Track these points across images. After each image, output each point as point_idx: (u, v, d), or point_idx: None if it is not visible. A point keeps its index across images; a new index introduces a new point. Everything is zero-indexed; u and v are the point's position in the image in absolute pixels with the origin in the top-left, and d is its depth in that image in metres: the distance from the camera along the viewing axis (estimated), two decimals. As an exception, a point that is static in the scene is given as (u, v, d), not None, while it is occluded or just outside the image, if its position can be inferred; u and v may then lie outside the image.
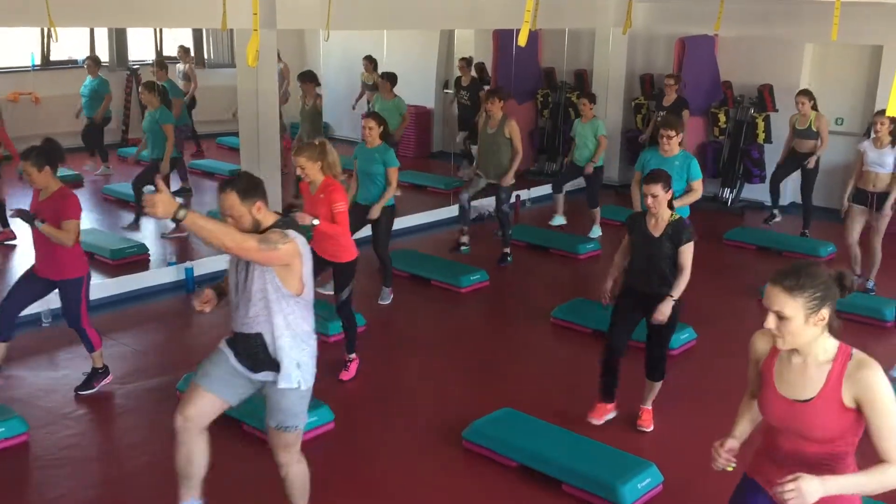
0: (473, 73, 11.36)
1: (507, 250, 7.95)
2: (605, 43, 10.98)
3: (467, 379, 5.66)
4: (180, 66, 10.93)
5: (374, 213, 6.43)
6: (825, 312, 2.44)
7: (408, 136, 12.36)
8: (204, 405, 3.56)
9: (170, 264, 7.32)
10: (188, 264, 7.24)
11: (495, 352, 6.08)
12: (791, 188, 9.37)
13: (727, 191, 10.22)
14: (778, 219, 8.95)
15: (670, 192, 4.60)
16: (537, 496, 4.22)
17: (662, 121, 6.33)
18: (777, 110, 9.82)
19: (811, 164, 8.51)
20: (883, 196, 6.92)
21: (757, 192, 10.18)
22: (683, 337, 6.01)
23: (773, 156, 9.59)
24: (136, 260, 7.51)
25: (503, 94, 7.73)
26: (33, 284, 5.11)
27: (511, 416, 4.76)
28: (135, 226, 8.35)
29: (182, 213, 3.03)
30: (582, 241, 8.36)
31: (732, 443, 2.69)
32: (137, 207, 8.31)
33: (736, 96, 10.11)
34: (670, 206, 4.64)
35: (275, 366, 3.45)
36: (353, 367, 5.55)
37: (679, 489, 4.26)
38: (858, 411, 2.42)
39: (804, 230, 8.84)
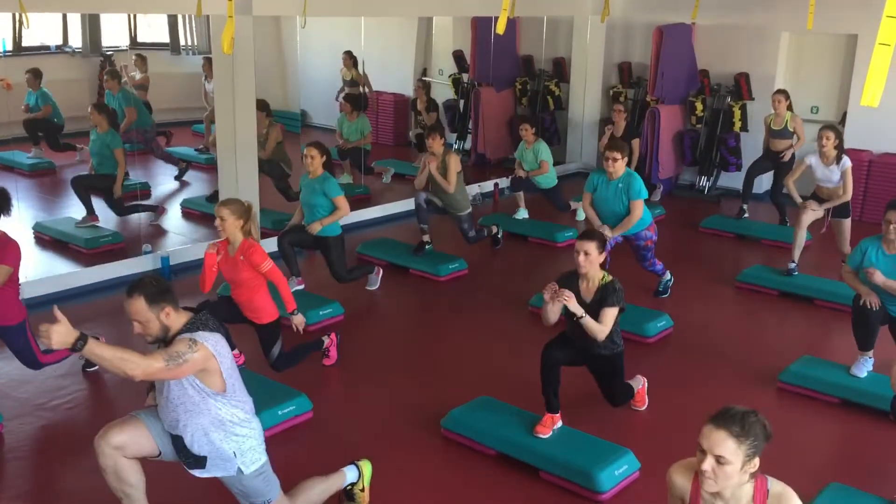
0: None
1: (496, 231, 8.06)
2: (584, 31, 10.99)
3: (445, 367, 5.66)
4: (136, 74, 10.80)
5: (314, 227, 6.27)
6: (757, 461, 2.53)
7: (385, 124, 12.35)
8: (135, 440, 3.46)
9: (145, 253, 7.26)
10: (164, 253, 7.18)
11: (473, 340, 6.09)
12: (767, 178, 9.41)
13: (704, 179, 10.28)
14: (746, 214, 9.00)
15: (604, 254, 4.50)
16: (515, 484, 4.24)
17: (609, 143, 6.47)
18: (753, 99, 9.89)
19: (786, 157, 8.50)
20: (839, 206, 7.03)
21: (733, 180, 10.24)
22: (660, 324, 6.05)
23: (749, 144, 9.66)
24: (110, 249, 7.44)
25: (442, 131, 7.49)
26: None
27: (489, 405, 4.77)
28: (91, 218, 8.02)
29: (80, 343, 2.99)
30: (560, 230, 8.37)
31: None
32: (85, 203, 7.96)
33: (713, 85, 10.16)
34: (603, 267, 4.53)
35: (199, 463, 3.40)
36: (332, 350, 5.52)
37: (656, 475, 4.28)
38: None
39: (784, 218, 8.81)
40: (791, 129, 8.40)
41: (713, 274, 7.48)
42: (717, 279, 7.33)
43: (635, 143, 9.50)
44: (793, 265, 7.07)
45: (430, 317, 6.63)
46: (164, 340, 3.31)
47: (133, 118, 9.19)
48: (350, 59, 11.12)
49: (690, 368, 5.62)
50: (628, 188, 6.26)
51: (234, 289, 5.06)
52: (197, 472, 3.47)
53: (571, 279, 4.56)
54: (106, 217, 8.11)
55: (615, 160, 6.23)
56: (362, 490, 3.98)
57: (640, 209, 6.28)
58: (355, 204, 9.05)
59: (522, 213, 8.92)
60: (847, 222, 7.09)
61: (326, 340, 5.53)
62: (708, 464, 2.48)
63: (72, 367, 5.36)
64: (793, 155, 8.56)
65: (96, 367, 5.20)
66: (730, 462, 2.46)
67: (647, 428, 4.83)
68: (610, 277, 4.51)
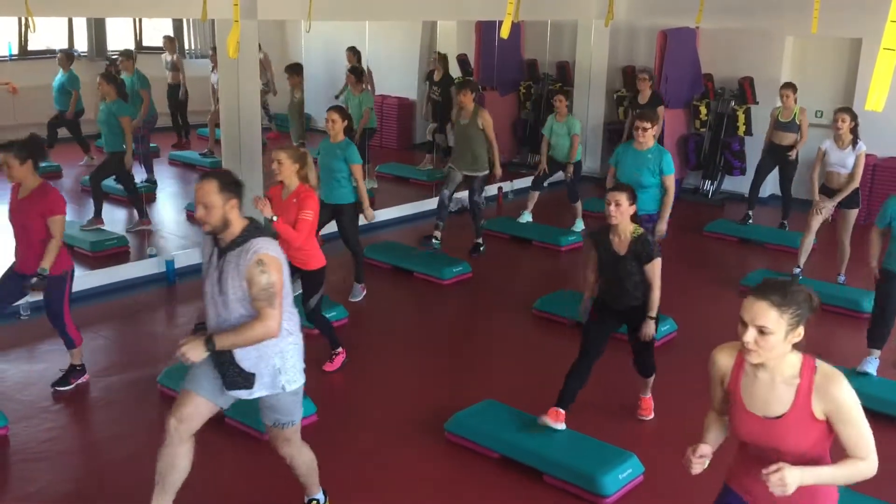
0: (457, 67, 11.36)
1: (480, 241, 7.94)
2: (588, 35, 11.00)
3: (449, 371, 5.66)
4: (166, 57, 10.83)
5: (370, 214, 6.46)
6: (801, 330, 2.46)
7: (390, 127, 12.36)
8: (197, 407, 3.49)
9: (150, 256, 7.27)
10: (168, 256, 7.20)
11: (477, 343, 6.09)
12: (771, 180, 9.42)
13: (708, 183, 10.28)
14: (751, 220, 8.99)
15: (634, 207, 4.48)
16: (519, 487, 4.24)
17: (638, 114, 6.35)
18: (758, 103, 9.88)
19: (793, 155, 8.53)
20: (849, 195, 7.01)
21: (738, 184, 10.25)
22: (664, 329, 6.04)
23: (753, 148, 9.64)
24: (116, 252, 7.46)
25: (474, 86, 7.67)
26: (16, 282, 5.01)
27: (493, 408, 4.77)
28: (96, 221, 8.07)
29: (211, 345, 3.25)
30: (564, 234, 8.38)
31: (705, 448, 2.66)
32: (96, 202, 8.06)
33: (717, 89, 10.16)
34: (634, 219, 4.53)
35: (248, 382, 3.40)
36: (338, 359, 5.54)
37: (660, 479, 4.30)
38: (826, 423, 2.47)
39: (783, 221, 8.90)
40: (798, 123, 8.41)
41: (717, 278, 7.48)
42: (721, 283, 7.33)
43: (660, 110, 9.38)
44: (798, 270, 7.05)
45: (434, 320, 6.64)
46: (219, 237, 3.34)
47: (148, 101, 9.22)
48: (354, 55, 11.09)
49: (695, 372, 5.58)
50: (660, 161, 6.04)
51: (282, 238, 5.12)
52: (242, 394, 3.46)
53: (603, 233, 4.59)
54: (111, 219, 8.13)
55: (645, 130, 6.03)
56: None
57: (674, 184, 6.14)
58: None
59: (526, 217, 8.87)
60: (854, 213, 7.05)
61: (341, 349, 5.56)
62: (750, 335, 2.41)
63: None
64: (797, 155, 8.54)
65: (68, 388, 5.17)
66: (772, 332, 2.40)
67: (652, 432, 4.83)
68: (641, 229, 4.54)
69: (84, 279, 6.77)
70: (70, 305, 5.10)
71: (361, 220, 6.59)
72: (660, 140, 9.87)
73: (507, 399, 4.93)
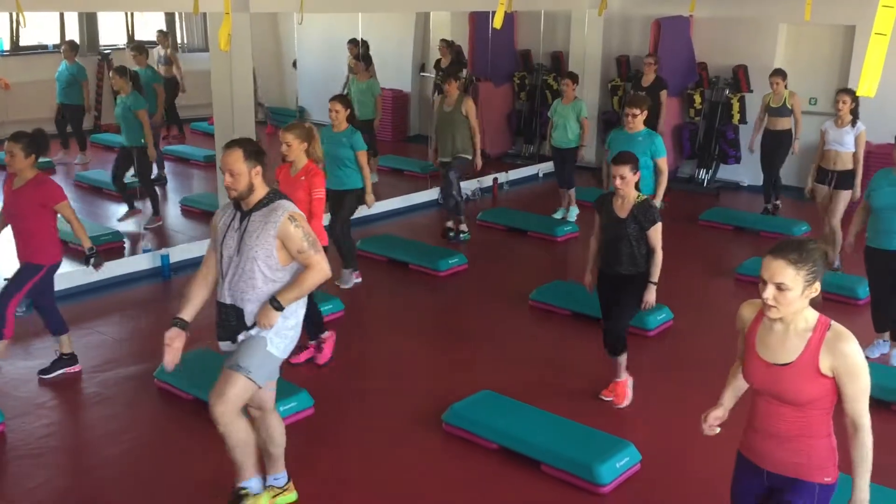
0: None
1: (451, 225, 7.93)
2: (581, 25, 10.98)
3: (446, 362, 5.66)
4: (160, 51, 10.79)
5: (370, 201, 6.56)
6: (818, 286, 2.59)
7: (384, 119, 12.31)
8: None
9: (145, 251, 7.26)
10: (163, 251, 7.19)
11: (474, 335, 6.09)
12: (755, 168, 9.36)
13: (703, 171, 10.28)
14: (777, 202, 8.94)
15: (638, 174, 4.65)
16: (517, 477, 4.25)
17: (628, 99, 6.43)
18: (752, 91, 9.87)
19: (796, 149, 8.53)
20: (843, 175, 7.01)
21: (732, 172, 10.25)
22: (660, 317, 6.05)
23: (747, 136, 9.59)
24: (111, 247, 7.44)
25: (457, 74, 7.70)
26: (30, 271, 5.05)
27: (490, 399, 4.77)
28: (133, 213, 8.13)
29: (277, 304, 3.43)
30: (560, 224, 8.38)
31: (718, 412, 2.86)
32: (125, 197, 8.10)
33: (711, 77, 10.16)
34: (637, 187, 4.70)
35: (241, 326, 3.53)
36: (327, 347, 5.52)
37: (657, 468, 4.30)
38: (833, 382, 2.58)
39: (767, 206, 8.78)
40: (789, 107, 8.41)
41: (713, 266, 7.49)
42: (716, 271, 7.34)
43: (663, 94, 9.37)
44: (836, 263, 6.99)
45: (431, 312, 6.64)
46: (242, 203, 3.49)
47: (163, 95, 9.19)
48: (355, 47, 11.05)
49: (691, 361, 5.62)
50: (652, 143, 6.13)
51: None
52: (226, 345, 3.58)
53: (607, 197, 4.76)
54: (108, 214, 8.11)
55: (634, 115, 6.16)
56: (273, 497, 3.84)
57: (667, 166, 6.24)
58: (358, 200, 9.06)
59: (573, 213, 8.78)
60: (846, 195, 7.04)
61: (327, 333, 5.53)
62: (769, 291, 2.55)
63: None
64: (790, 133, 8.50)
65: (53, 375, 5.22)
66: (790, 288, 2.53)
67: (648, 421, 4.83)
68: (643, 196, 4.71)
69: (79, 275, 6.75)
70: (62, 303, 5.10)
71: (360, 213, 6.63)
72: (655, 127, 9.91)
73: (504, 390, 4.93)
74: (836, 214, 7.06)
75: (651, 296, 4.74)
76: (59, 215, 5.02)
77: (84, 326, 5.83)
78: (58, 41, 10.97)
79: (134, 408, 4.94)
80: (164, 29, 11.11)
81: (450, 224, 7.93)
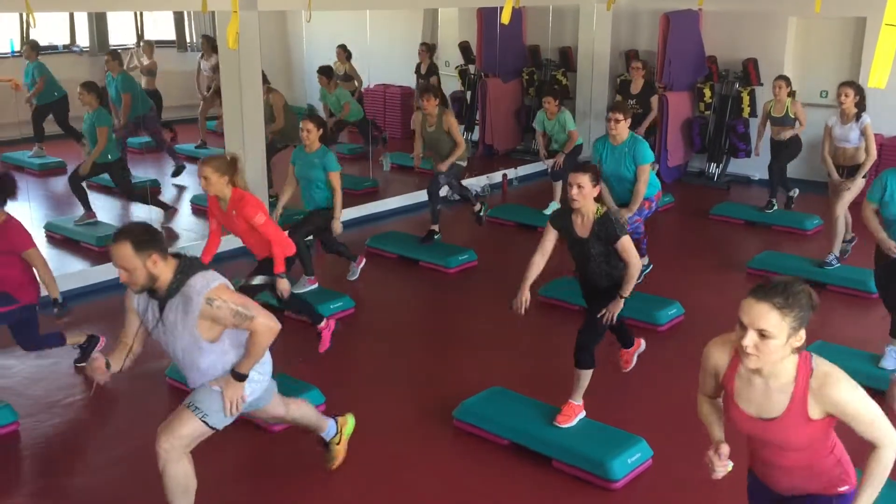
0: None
1: (477, 207, 7.83)
2: (590, 19, 10.94)
3: (456, 358, 5.66)
4: (143, 60, 10.78)
5: (337, 228, 6.28)
6: (803, 333, 2.34)
7: (393, 116, 12.34)
8: (260, 415, 3.85)
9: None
10: (174, 249, 7.19)
11: (484, 331, 6.09)
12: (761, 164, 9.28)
13: (713, 166, 10.24)
14: (795, 193, 8.79)
15: (598, 187, 4.31)
16: (528, 473, 4.24)
17: (612, 105, 6.38)
18: (762, 84, 9.82)
19: (786, 135, 8.23)
20: (852, 169, 6.94)
21: (743, 166, 10.21)
22: (671, 312, 6.03)
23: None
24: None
25: (436, 91, 7.54)
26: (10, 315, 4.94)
27: (501, 395, 4.77)
28: (88, 215, 8.00)
29: (241, 376, 3.40)
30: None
31: (725, 448, 2.59)
32: (82, 200, 7.96)
33: (721, 71, 10.11)
34: (597, 200, 4.37)
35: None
36: (326, 334, 5.51)
37: (669, 463, 4.29)
38: (830, 419, 2.42)
39: (770, 203, 8.61)
40: (792, 116, 8.25)
41: (724, 261, 7.46)
42: (728, 266, 7.30)
43: (654, 100, 9.41)
44: (832, 257, 6.85)
45: (441, 309, 6.64)
46: (152, 290, 3.28)
47: (129, 102, 9.12)
48: (344, 52, 11.13)
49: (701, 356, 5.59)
50: (634, 152, 6.09)
51: (244, 243, 5.08)
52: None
53: (565, 215, 4.44)
54: (112, 215, 8.14)
55: (617, 121, 6.07)
56: (338, 443, 4.13)
57: (647, 174, 6.11)
58: (364, 197, 9.08)
59: (555, 207, 8.76)
60: (853, 183, 6.86)
61: (324, 322, 5.52)
62: (750, 339, 2.27)
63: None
64: (797, 138, 8.39)
65: (86, 364, 5.25)
66: (774, 336, 2.26)
67: (660, 416, 4.82)
68: (604, 209, 4.34)
69: (90, 274, 6.79)
70: (74, 302, 5.08)
71: (369, 210, 6.60)
72: (664, 124, 9.88)
73: (514, 385, 4.93)
74: (843, 203, 6.93)
75: (616, 308, 4.39)
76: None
77: (95, 326, 5.85)
78: (68, 41, 10.99)
79: (146, 406, 4.96)
80: (150, 39, 11.07)
81: (477, 208, 7.80)
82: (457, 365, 5.54)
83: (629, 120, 6.22)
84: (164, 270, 3.24)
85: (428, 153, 7.62)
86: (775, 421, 2.42)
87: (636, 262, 4.34)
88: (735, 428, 2.56)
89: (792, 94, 8.38)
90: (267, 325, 3.34)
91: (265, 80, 8.56)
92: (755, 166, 9.97)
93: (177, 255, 3.34)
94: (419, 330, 6.17)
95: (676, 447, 4.43)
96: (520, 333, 5.99)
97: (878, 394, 4.94)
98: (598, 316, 4.44)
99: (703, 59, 10.20)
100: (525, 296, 4.43)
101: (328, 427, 4.10)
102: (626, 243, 4.29)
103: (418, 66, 11.37)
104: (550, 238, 4.47)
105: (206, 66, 10.59)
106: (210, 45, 10.37)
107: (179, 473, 3.41)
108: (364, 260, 6.96)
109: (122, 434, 4.69)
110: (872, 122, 7.00)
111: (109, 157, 7.73)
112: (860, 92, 6.87)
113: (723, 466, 2.56)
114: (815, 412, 2.38)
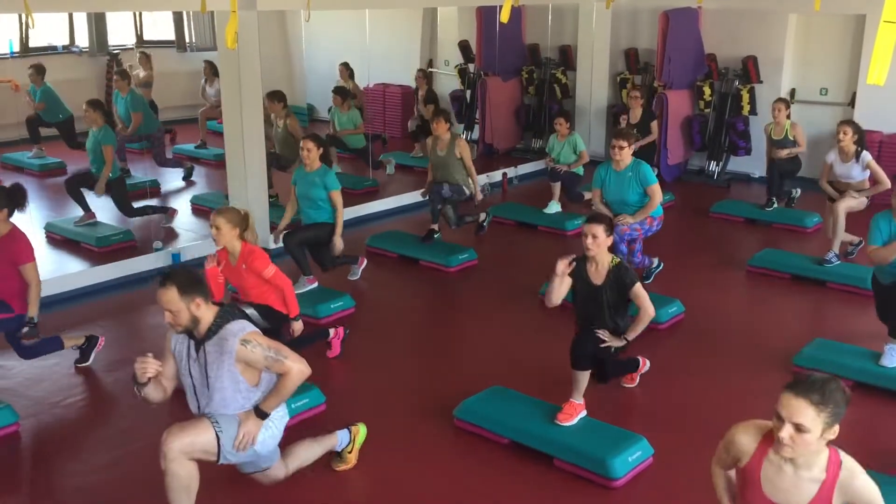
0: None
1: (481, 219, 7.78)
2: (589, 18, 10.94)
3: (457, 357, 5.67)
4: (140, 73, 10.79)
5: (338, 244, 6.27)
6: (836, 428, 2.50)
7: (393, 116, 12.35)
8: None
9: (156, 250, 7.28)
10: (174, 249, 7.21)
11: (485, 330, 6.09)
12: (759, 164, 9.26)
13: (713, 164, 10.23)
14: (797, 193, 8.79)
15: (611, 237, 4.47)
16: (529, 472, 4.24)
17: (616, 132, 6.47)
18: (762, 82, 9.82)
19: (783, 154, 8.22)
20: (858, 190, 6.96)
21: (743, 164, 10.20)
22: (672, 310, 6.03)
23: (757, 127, 9.54)
24: (121, 247, 7.47)
25: (447, 116, 7.47)
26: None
27: (501, 394, 4.77)
28: (87, 216, 7.98)
29: (263, 414, 3.50)
30: (569, 218, 8.36)
31: None
32: (80, 203, 7.93)
33: (720, 69, 10.10)
34: (611, 250, 4.49)
35: None
36: (336, 343, 5.53)
37: (670, 461, 4.29)
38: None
39: (770, 202, 8.51)
40: (791, 138, 8.24)
41: (724, 259, 7.45)
42: (728, 264, 7.30)
43: (654, 125, 9.47)
44: (832, 254, 6.83)
45: (441, 308, 6.64)
46: (193, 331, 3.46)
47: (139, 122, 9.14)
48: (346, 70, 11.16)
49: (703, 354, 5.60)
50: (639, 176, 6.22)
51: (243, 296, 5.00)
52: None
53: (580, 262, 4.52)
54: (115, 215, 8.14)
55: (621, 148, 6.22)
56: (350, 451, 4.21)
57: (659, 193, 6.25)
58: (364, 197, 9.09)
59: (554, 207, 8.75)
60: (864, 200, 6.88)
61: (332, 332, 5.54)
62: (786, 431, 2.46)
63: (88, 364, 5.40)
64: (797, 158, 8.35)
65: (91, 359, 5.40)
66: (809, 430, 2.44)
67: (661, 414, 4.82)
68: (618, 259, 4.50)
69: (90, 274, 6.79)
70: (74, 303, 5.09)
71: (369, 210, 6.58)
72: (664, 122, 9.88)
73: (515, 384, 4.93)
74: (846, 203, 6.87)
75: (616, 343, 4.45)
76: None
77: (97, 325, 5.86)
78: (67, 42, 11.01)
79: (147, 407, 4.94)
80: (146, 52, 11.06)
81: (469, 218, 7.76)
82: (457, 364, 5.54)
83: (633, 147, 6.34)
84: (206, 314, 3.43)
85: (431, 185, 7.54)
86: None
87: (650, 311, 4.44)
88: None
89: (789, 116, 8.30)
90: (299, 368, 3.49)
91: (284, 102, 8.52)
92: (755, 164, 9.97)
93: (218, 304, 3.55)
94: (419, 329, 6.17)
95: (677, 445, 4.43)
96: (520, 332, 5.99)
97: (876, 390, 4.96)
98: (596, 339, 4.46)
99: (703, 57, 10.20)
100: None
101: (339, 440, 4.17)
102: (639, 290, 4.43)
103: (416, 91, 11.41)
104: (567, 282, 4.53)
105: (212, 92, 10.59)
106: (212, 70, 10.37)
107: (182, 473, 3.44)
108: (365, 261, 6.95)
109: (124, 434, 4.69)
110: (872, 119, 7.02)
111: (111, 174, 7.74)
112: (859, 131, 6.89)
113: None
114: (837, 501, 2.55)
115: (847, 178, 6.94)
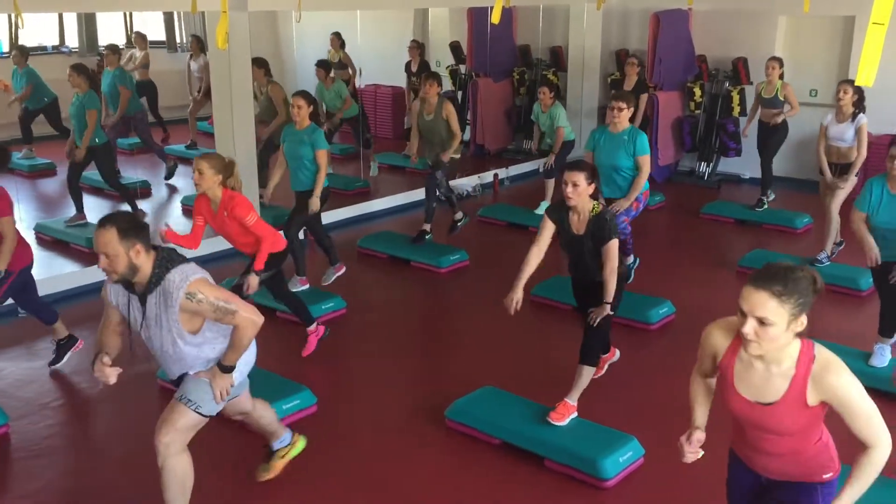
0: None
1: (458, 216, 7.71)
2: (580, 19, 10.96)
3: (449, 358, 5.67)
4: (136, 53, 10.74)
5: (315, 204, 6.15)
6: (804, 319, 2.34)
7: (384, 116, 12.34)
8: (228, 410, 3.75)
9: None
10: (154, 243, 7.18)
11: (476, 331, 6.09)
12: (752, 161, 9.31)
13: (704, 165, 10.27)
14: (771, 197, 8.88)
15: (593, 185, 4.33)
16: (520, 472, 4.25)
17: (615, 94, 6.34)
18: (752, 83, 9.85)
19: (779, 119, 8.29)
20: (844, 167, 6.97)
21: (733, 165, 10.24)
22: (662, 311, 6.05)
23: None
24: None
25: (439, 79, 7.46)
26: None
27: (493, 395, 4.78)
28: (79, 217, 7.94)
29: (227, 368, 3.43)
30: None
31: (699, 434, 2.63)
32: (76, 200, 7.94)
33: (711, 70, 10.14)
34: (594, 197, 4.40)
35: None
36: (313, 338, 5.52)
37: (660, 461, 4.30)
38: (822, 406, 2.43)
39: (762, 198, 8.67)
40: (781, 98, 8.31)
41: (715, 259, 7.48)
42: (719, 264, 7.33)
43: (643, 98, 9.42)
44: (823, 255, 6.90)
45: (432, 309, 6.64)
46: (131, 282, 3.24)
47: (127, 97, 9.07)
48: (338, 39, 11.09)
49: (693, 354, 5.58)
50: (635, 141, 6.04)
51: (234, 245, 5.09)
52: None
53: (563, 210, 4.43)
54: (100, 214, 8.09)
55: (620, 109, 6.04)
56: (282, 457, 4.08)
57: (648, 165, 6.10)
58: (355, 198, 9.07)
59: (546, 207, 8.74)
60: (845, 182, 6.90)
61: (314, 327, 5.52)
62: (749, 326, 2.28)
63: (77, 366, 5.38)
64: (785, 122, 8.40)
65: (63, 361, 5.38)
66: (773, 323, 2.27)
67: (651, 414, 4.83)
68: (600, 207, 4.36)
69: (80, 276, 6.77)
70: (65, 303, 5.09)
71: (360, 211, 6.56)
72: (655, 123, 9.91)
73: (506, 385, 4.93)
74: (838, 202, 6.96)
75: (599, 313, 4.41)
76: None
77: (85, 327, 5.83)
78: (57, 42, 10.95)
79: (136, 408, 4.95)
80: (142, 31, 11.03)
81: (458, 217, 7.75)
82: (449, 365, 5.55)
83: (632, 110, 6.19)
84: (146, 263, 3.19)
85: (420, 152, 7.56)
86: (772, 406, 2.44)
87: (614, 267, 4.33)
88: (730, 412, 2.57)
89: (782, 77, 8.38)
90: (249, 319, 3.34)
91: (268, 70, 8.54)
92: (746, 165, 10.02)
93: (155, 248, 3.27)
94: (411, 330, 6.17)
95: (668, 445, 4.40)
96: (512, 333, 5.99)
97: (868, 391, 4.98)
98: (588, 321, 4.46)
99: (693, 59, 10.23)
100: (518, 295, 4.40)
101: (283, 436, 4.08)
102: (612, 247, 4.32)
103: (408, 64, 11.37)
104: (548, 231, 4.48)
105: (196, 67, 10.57)
106: (199, 45, 10.36)
107: (178, 468, 3.45)
108: (344, 269, 6.76)
109: (114, 435, 4.68)
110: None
111: (97, 140, 7.68)
112: (859, 91, 6.89)
113: (693, 453, 2.60)
114: (812, 398, 2.39)
115: (839, 140, 6.91)
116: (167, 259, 3.24)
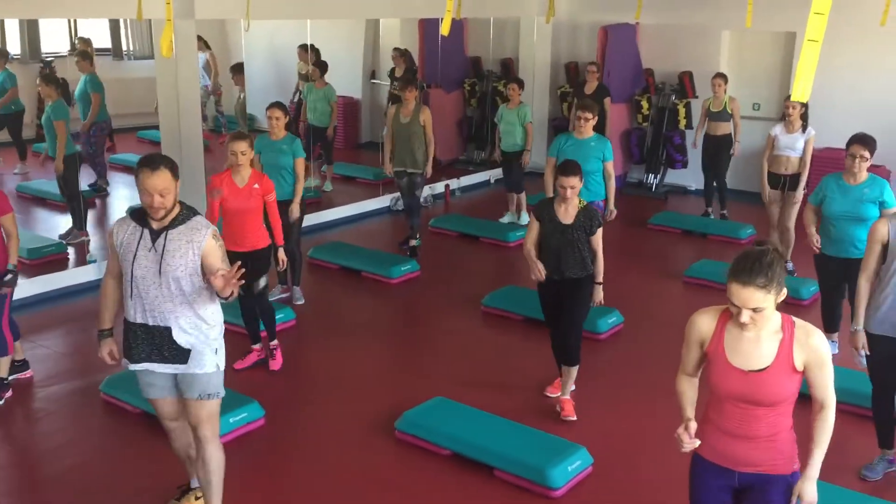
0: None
1: (415, 242, 7.72)
2: (530, 32, 11.08)
3: (399, 369, 5.65)
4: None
5: (295, 211, 6.23)
6: (785, 291, 2.64)
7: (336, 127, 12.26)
8: (168, 408, 3.68)
9: (90, 262, 7.11)
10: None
11: (427, 341, 6.09)
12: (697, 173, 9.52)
13: (651, 176, 10.43)
14: (724, 212, 9.10)
15: (582, 181, 4.78)
16: (470, 483, 4.25)
17: (580, 104, 6.45)
18: (697, 97, 10.05)
19: (735, 151, 8.72)
20: (794, 178, 7.15)
21: (680, 177, 10.42)
22: (610, 321, 6.11)
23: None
24: (54, 259, 7.28)
25: (417, 84, 7.59)
26: None
27: (443, 405, 4.77)
28: (81, 233, 7.79)
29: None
30: (512, 229, 8.42)
31: (694, 425, 2.79)
32: (74, 209, 7.83)
33: (657, 83, 10.32)
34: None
35: (183, 356, 3.46)
36: (279, 354, 5.51)
37: (609, 470, 4.34)
38: (802, 375, 2.69)
39: (723, 211, 9.05)
40: (729, 112, 8.61)
41: (662, 269, 7.59)
42: (666, 274, 7.44)
43: (607, 101, 9.50)
44: (789, 265, 7.15)
45: (383, 319, 6.61)
46: (154, 219, 3.39)
47: (98, 104, 8.91)
48: (305, 52, 10.97)
49: (642, 363, 5.68)
50: (604, 148, 6.21)
51: (232, 221, 5.23)
52: (170, 369, 3.50)
53: (547, 205, 4.80)
54: (48, 226, 7.93)
55: (587, 119, 6.19)
56: (197, 498, 3.93)
57: (613, 171, 6.33)
58: (307, 207, 8.97)
59: (509, 218, 8.83)
60: (798, 195, 7.10)
61: (277, 342, 5.54)
62: (745, 316, 2.59)
63: (11, 380, 5.25)
64: (729, 135, 8.68)
65: (11, 380, 5.15)
66: (765, 307, 2.59)
67: (600, 424, 4.87)
68: (585, 202, 4.79)
69: (22, 287, 6.58)
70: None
71: (312, 221, 6.52)
72: (603, 133, 10.03)
73: (457, 396, 4.93)
74: (792, 217, 7.17)
75: (600, 294, 4.87)
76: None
77: (29, 340, 5.69)
78: (-1, 48, 10.69)
79: (80, 422, 4.84)
80: (86, 37, 10.82)
81: (413, 243, 7.73)
82: (399, 375, 5.53)
83: (596, 118, 6.32)
84: (177, 203, 3.43)
85: (392, 156, 7.55)
86: (765, 371, 2.66)
87: (601, 254, 4.82)
88: (721, 387, 2.73)
89: (726, 92, 8.68)
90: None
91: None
92: (692, 177, 10.20)
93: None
94: (361, 340, 6.13)
95: (617, 455, 4.49)
96: (462, 343, 6.01)
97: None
98: (587, 308, 4.88)
99: (641, 72, 10.40)
100: (540, 265, 4.75)
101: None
102: (600, 235, 4.79)
103: (392, 71, 11.25)
104: (536, 227, 4.80)
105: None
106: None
107: (218, 455, 3.61)
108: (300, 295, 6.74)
109: (57, 451, 4.55)
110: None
111: (73, 149, 7.57)
112: (805, 105, 7.13)
113: (690, 442, 2.76)
114: (798, 361, 2.66)
115: (790, 150, 7.10)
116: (191, 208, 3.51)
